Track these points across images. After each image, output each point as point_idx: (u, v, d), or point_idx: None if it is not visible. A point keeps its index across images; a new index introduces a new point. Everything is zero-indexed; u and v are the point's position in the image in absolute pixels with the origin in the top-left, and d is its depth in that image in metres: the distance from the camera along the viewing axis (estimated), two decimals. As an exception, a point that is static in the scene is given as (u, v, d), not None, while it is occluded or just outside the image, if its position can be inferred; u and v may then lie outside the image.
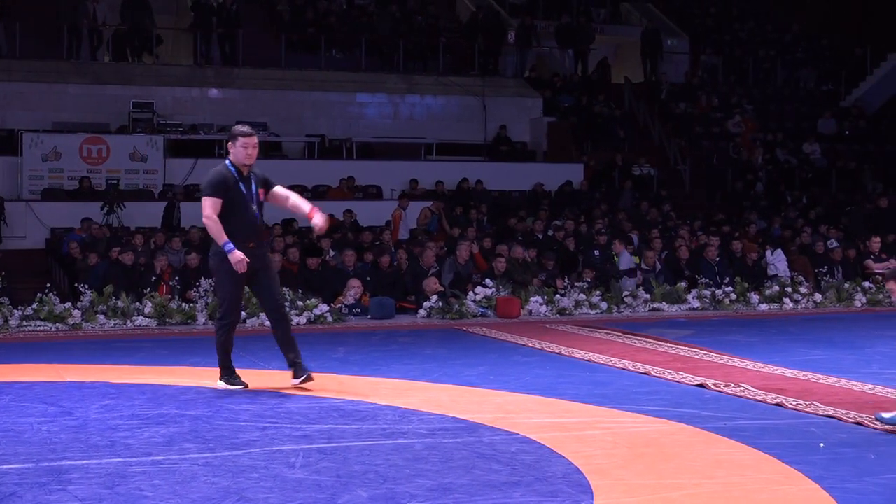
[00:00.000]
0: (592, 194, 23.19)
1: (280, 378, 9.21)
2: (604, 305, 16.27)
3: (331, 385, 9.24)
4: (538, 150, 25.47)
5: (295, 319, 14.61)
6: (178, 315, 14.60)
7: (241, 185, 8.88)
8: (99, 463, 6.26)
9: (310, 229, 19.35)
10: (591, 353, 11.40)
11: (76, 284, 15.41)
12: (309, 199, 22.20)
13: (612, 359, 10.95)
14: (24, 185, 20.63)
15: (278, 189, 9.16)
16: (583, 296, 16.21)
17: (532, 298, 15.96)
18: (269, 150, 23.50)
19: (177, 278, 15.56)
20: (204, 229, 18.13)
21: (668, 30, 30.03)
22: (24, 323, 14.05)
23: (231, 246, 8.72)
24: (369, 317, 15.50)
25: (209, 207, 8.78)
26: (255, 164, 9.06)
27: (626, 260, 17.92)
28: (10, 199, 20.17)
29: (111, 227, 19.18)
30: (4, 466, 6.14)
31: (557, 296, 16.17)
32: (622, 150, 25.38)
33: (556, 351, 11.80)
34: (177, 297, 15.05)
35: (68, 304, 14.43)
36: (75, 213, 19.21)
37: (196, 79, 24.44)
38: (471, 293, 15.82)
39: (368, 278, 16.34)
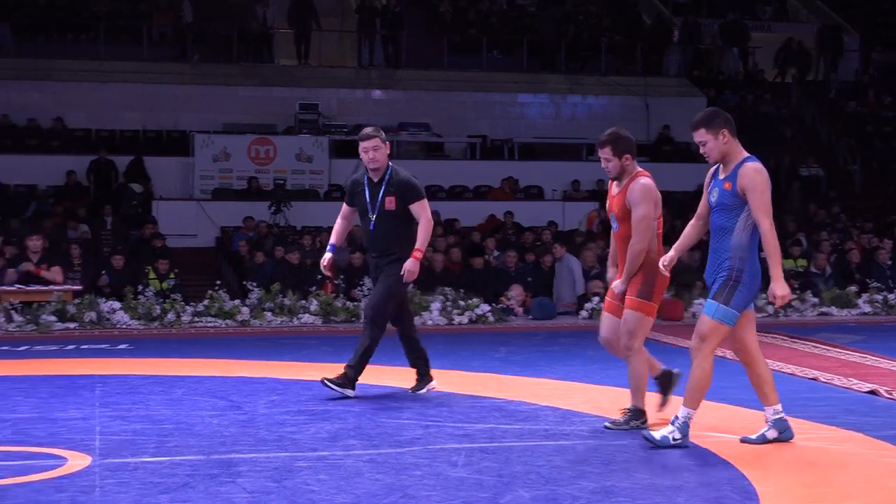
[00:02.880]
0: (758, 195, 22.71)
1: (443, 377, 9.26)
2: (770, 309, 15.92)
3: (492, 385, 9.27)
4: (702, 151, 25.07)
5: (456, 319, 14.74)
6: (342, 313, 14.84)
7: (367, 191, 8.60)
8: (267, 457, 6.40)
9: (471, 229, 19.53)
10: (756, 357, 11.14)
11: (244, 282, 15.80)
12: (470, 199, 22.31)
13: (778, 363, 10.70)
14: (196, 185, 21.27)
15: (414, 209, 8.54)
16: (748, 298, 15.88)
17: (695, 301, 15.72)
18: (432, 150, 23.72)
19: (342, 277, 15.81)
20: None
21: (839, 27, 29.25)
22: (196, 319, 14.48)
23: (329, 248, 8.80)
24: (530, 317, 15.50)
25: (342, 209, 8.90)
26: (401, 170, 8.65)
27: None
28: (182, 199, 20.82)
29: (278, 226, 19.62)
30: (178, 458, 6.34)
31: (721, 298, 15.87)
32: (789, 150, 24.80)
33: (720, 354, 11.55)
34: (342, 296, 15.30)
35: (237, 302, 14.81)
36: (244, 213, 19.70)
37: (360, 80, 24.82)
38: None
39: (530, 279, 16.33)
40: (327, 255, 8.78)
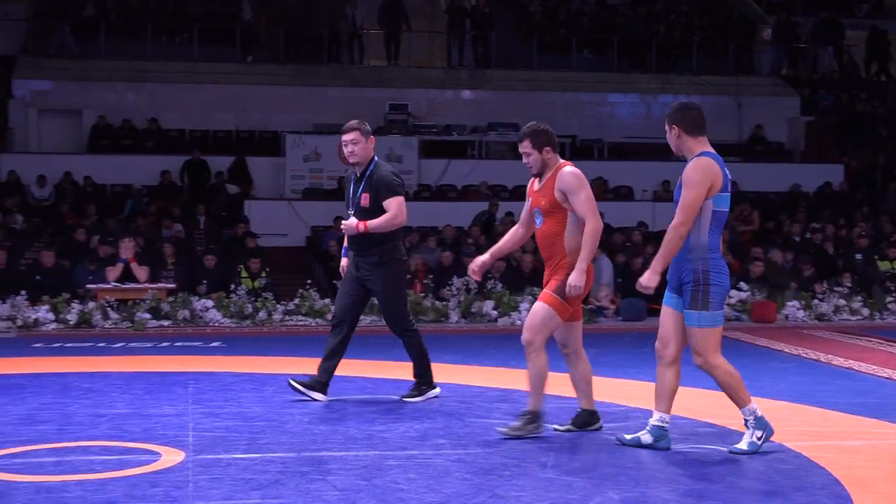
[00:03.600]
0: (853, 196, 22.34)
1: (513, 376, 9.21)
2: (865, 311, 15.65)
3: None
4: (795, 151, 24.73)
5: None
6: (431, 312, 14.89)
7: (352, 186, 8.41)
8: (357, 455, 6.44)
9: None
10: (851, 361, 10.98)
11: (334, 281, 15.90)
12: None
13: (875, 367, 10.52)
14: (287, 185, 21.49)
15: (386, 204, 8.23)
16: (843, 301, 15.63)
17: (789, 303, 15.51)
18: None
19: (431, 276, 15.85)
20: (458, 228, 18.67)
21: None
22: (287, 317, 14.63)
23: (343, 251, 8.67)
24: (620, 318, 15.40)
25: None
26: (385, 167, 8.39)
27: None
28: (273, 198, 21.04)
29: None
30: (269, 455, 6.41)
31: (815, 301, 15.65)
32: (885, 150, 24.33)
33: (814, 357, 11.43)
34: (430, 295, 15.34)
35: (327, 300, 14.93)
36: (334, 212, 19.81)
37: (450, 81, 24.87)
38: (724, 296, 15.48)
39: (619, 279, 16.23)
40: (343, 261, 8.61)
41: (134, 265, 15.00)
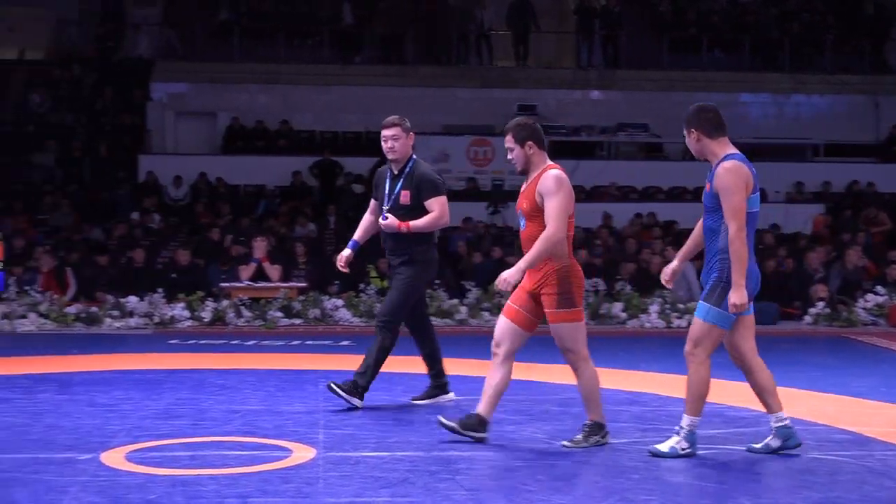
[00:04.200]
0: None
1: (660, 381, 9.15)
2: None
3: (713, 390, 9.07)
4: (935, 151, 24.03)
5: (675, 322, 14.55)
6: (559, 314, 14.82)
7: (388, 182, 8.16)
8: (485, 455, 6.46)
9: (691, 231, 19.24)
10: None
11: (462, 281, 15.98)
12: (690, 200, 21.93)
13: None
14: (416, 186, 21.60)
15: (429, 204, 8.04)
16: None
17: (930, 308, 15.08)
18: (651, 151, 23.49)
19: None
20: (586, 230, 18.58)
21: None
22: (414, 318, 14.70)
23: (350, 243, 8.35)
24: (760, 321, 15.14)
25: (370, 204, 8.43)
26: (424, 165, 8.27)
27: None
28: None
29: (496, 226, 19.76)
30: (398, 453, 6.46)
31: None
32: None
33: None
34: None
35: (455, 301, 14.99)
36: (462, 213, 19.91)
37: (578, 81, 24.75)
38: (861, 300, 15.12)
39: (750, 282, 15.96)
40: (345, 252, 8.32)
41: (266, 264, 15.25)
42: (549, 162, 6.79)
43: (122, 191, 21.07)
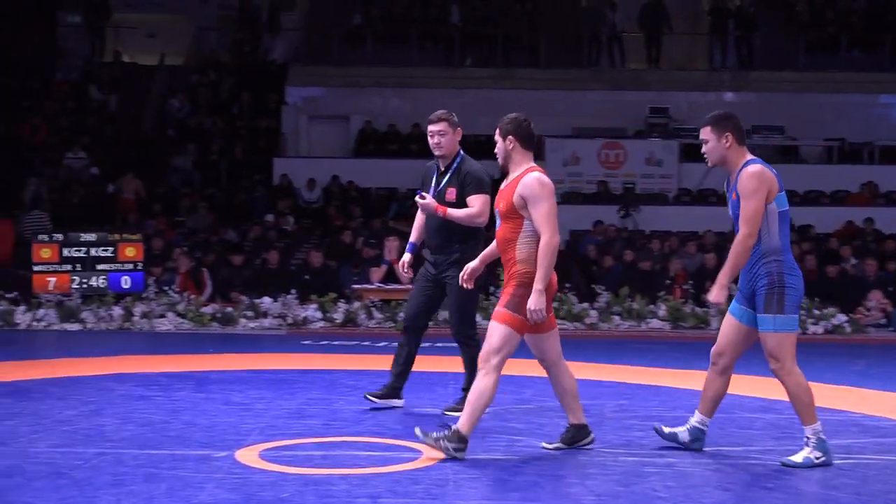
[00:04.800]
0: None
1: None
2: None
3: (849, 398, 8.91)
4: None
5: (811, 329, 14.25)
6: (691, 319, 14.67)
7: (434, 180, 8.01)
8: (615, 460, 6.41)
9: (828, 235, 18.86)
10: None
11: (593, 285, 15.90)
12: (827, 204, 21.50)
13: None
14: (546, 189, 21.57)
15: (470, 200, 7.82)
16: None
17: None
18: (786, 154, 23.05)
19: (691, 282, 15.62)
20: (718, 233, 18.33)
21: None
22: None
23: (408, 246, 8.17)
24: (892, 329, 14.77)
25: None
26: (472, 162, 8.13)
27: None
28: (532, 202, 21.15)
29: (627, 230, 19.62)
30: (527, 457, 6.45)
31: None
32: None
33: None
34: (690, 301, 15.12)
35: (586, 305, 14.92)
36: (593, 216, 19.83)
37: (711, 83, 24.43)
38: None
39: (891, 288, 15.57)
40: (406, 257, 8.13)
41: (397, 266, 15.37)
42: (532, 164, 6.59)
43: (257, 193, 21.47)
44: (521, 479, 5.92)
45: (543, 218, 6.33)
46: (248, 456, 6.35)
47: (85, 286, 15.22)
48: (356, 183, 21.75)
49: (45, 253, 15.32)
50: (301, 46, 25.55)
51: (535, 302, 6.29)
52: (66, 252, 15.32)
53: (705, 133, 6.48)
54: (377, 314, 14.61)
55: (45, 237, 15.57)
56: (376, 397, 8.12)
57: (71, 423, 7.30)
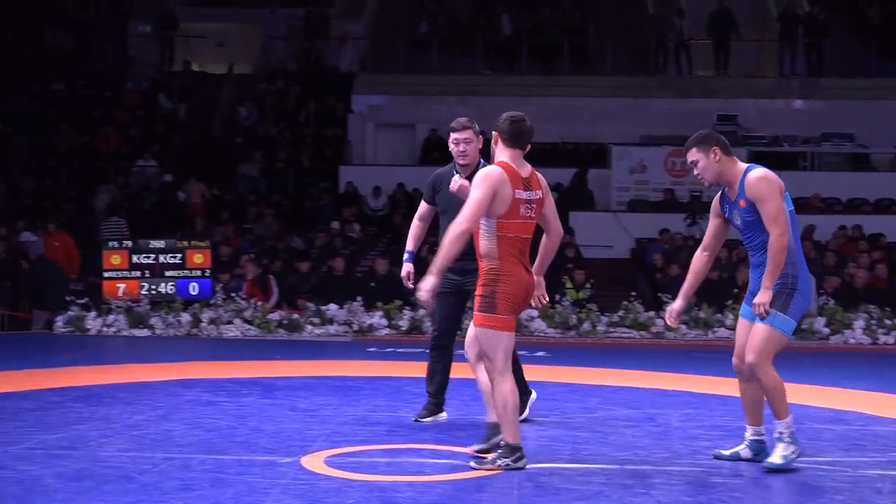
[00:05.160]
0: None
1: (864, 399, 8.84)
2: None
3: (920, 409, 8.76)
4: None
5: (881, 338, 14.07)
6: (757, 328, 14.51)
7: None
8: (681, 470, 6.36)
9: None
10: None
11: (659, 294, 15.79)
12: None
13: None
14: (613, 197, 21.50)
15: None
16: None
17: None
18: (857, 162, 22.76)
19: (758, 291, 15.45)
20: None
21: None
22: (611, 329, 14.64)
23: (406, 256, 8.08)
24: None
25: (420, 209, 8.08)
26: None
27: None
28: (599, 210, 21.10)
29: (693, 238, 19.45)
30: (592, 466, 6.42)
31: None
32: None
33: None
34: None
35: (652, 313, 14.83)
36: (659, 225, 19.69)
37: (780, 90, 24.20)
38: None
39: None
40: (406, 267, 8.06)
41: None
42: (505, 160, 6.67)
43: (323, 201, 21.60)
44: (586, 488, 5.88)
45: (468, 205, 6.26)
46: (314, 462, 6.38)
47: (154, 292, 15.41)
48: (421, 191, 21.77)
49: (115, 260, 15.55)
50: (367, 55, 25.69)
51: (426, 282, 6.14)
52: (135, 259, 15.53)
53: (692, 155, 6.48)
54: (442, 322, 14.61)
55: (116, 244, 15.79)
56: (424, 418, 7.99)
57: (139, 428, 7.38)
